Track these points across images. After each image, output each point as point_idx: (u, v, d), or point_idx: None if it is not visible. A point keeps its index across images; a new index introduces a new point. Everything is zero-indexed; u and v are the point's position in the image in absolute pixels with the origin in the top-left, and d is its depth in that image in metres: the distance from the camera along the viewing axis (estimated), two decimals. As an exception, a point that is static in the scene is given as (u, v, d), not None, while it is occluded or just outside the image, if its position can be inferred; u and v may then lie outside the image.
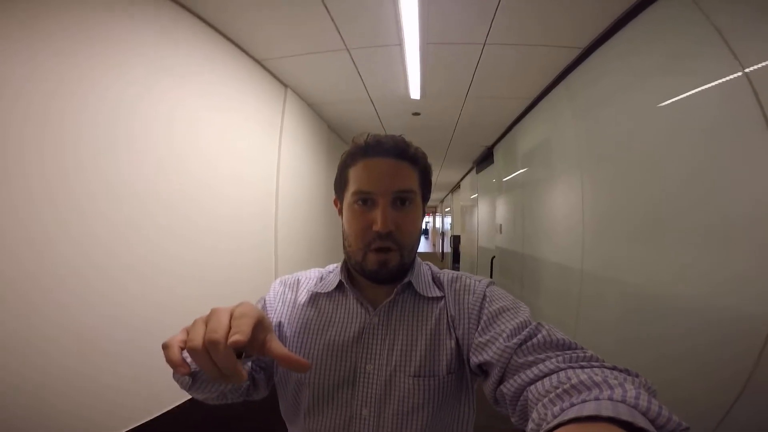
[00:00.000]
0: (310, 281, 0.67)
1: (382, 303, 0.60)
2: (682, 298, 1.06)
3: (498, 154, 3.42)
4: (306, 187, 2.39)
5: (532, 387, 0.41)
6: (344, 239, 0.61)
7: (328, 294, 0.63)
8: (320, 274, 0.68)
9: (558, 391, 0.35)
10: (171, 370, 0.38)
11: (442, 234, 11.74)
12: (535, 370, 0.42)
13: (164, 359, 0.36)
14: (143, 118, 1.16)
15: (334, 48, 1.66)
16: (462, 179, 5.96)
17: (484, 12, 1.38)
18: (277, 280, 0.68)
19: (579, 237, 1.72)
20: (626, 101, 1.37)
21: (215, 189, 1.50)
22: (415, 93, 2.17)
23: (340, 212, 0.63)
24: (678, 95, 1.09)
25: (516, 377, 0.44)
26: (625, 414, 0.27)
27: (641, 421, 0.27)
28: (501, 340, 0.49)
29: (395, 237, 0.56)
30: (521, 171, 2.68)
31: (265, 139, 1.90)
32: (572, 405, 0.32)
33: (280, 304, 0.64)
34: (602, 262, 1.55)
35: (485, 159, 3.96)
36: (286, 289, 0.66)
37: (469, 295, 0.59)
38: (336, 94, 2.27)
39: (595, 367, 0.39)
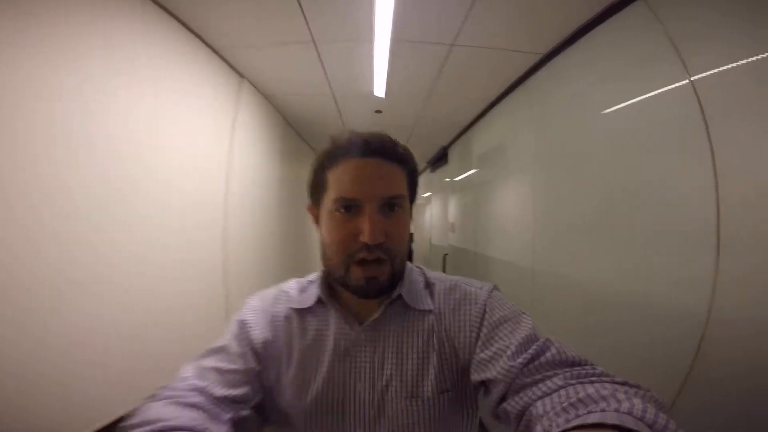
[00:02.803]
0: (291, 295, 0.61)
1: (369, 318, 0.55)
2: (624, 294, 1.17)
3: (453, 154, 3.54)
4: (260, 187, 2.30)
5: (538, 402, 0.39)
6: (323, 251, 0.55)
7: (310, 309, 0.58)
8: (300, 285, 0.63)
9: (564, 404, 0.35)
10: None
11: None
12: (542, 387, 0.41)
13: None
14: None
15: (300, 40, 1.61)
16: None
17: (457, 12, 1.41)
18: (255, 297, 0.62)
19: (530, 236, 1.85)
20: (579, 108, 1.48)
21: (158, 186, 1.38)
22: (380, 90, 2.17)
23: (316, 220, 0.57)
24: (626, 101, 1.19)
25: (522, 394, 0.42)
26: (630, 423, 0.28)
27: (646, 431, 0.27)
28: (505, 358, 0.45)
29: (386, 247, 0.50)
30: (475, 171, 2.81)
31: (215, 134, 1.79)
32: (577, 416, 0.32)
33: (262, 320, 0.58)
34: (552, 260, 1.68)
35: (440, 159, 4.08)
36: (267, 305, 0.60)
37: (469, 305, 0.55)
38: (296, 88, 2.20)
39: (605, 382, 0.38)
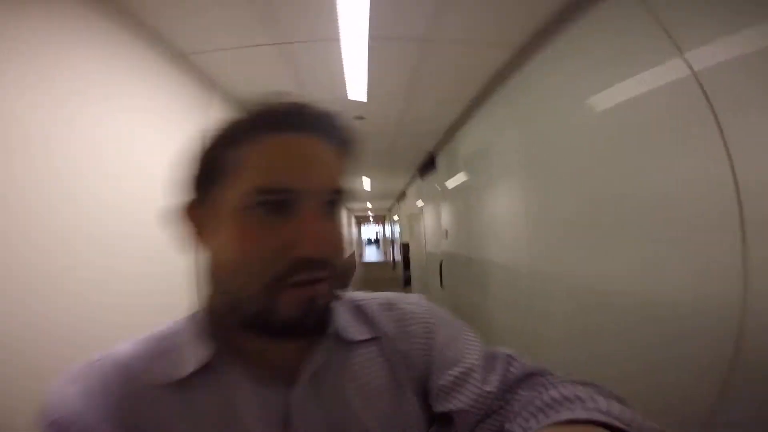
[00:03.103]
0: (143, 365, 0.35)
1: (302, 372, 0.37)
2: (632, 293, 1.06)
3: (440, 159, 3.45)
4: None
5: (512, 422, 0.35)
6: (215, 275, 0.37)
7: (190, 381, 0.34)
8: (156, 346, 0.37)
9: (531, 409, 0.33)
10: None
11: (392, 242, 11.79)
12: (516, 405, 0.37)
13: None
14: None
15: (269, 41, 1.51)
16: (407, 187, 5.99)
17: (427, 5, 1.32)
18: (79, 371, 0.35)
19: (524, 238, 1.73)
20: (566, 102, 1.39)
21: (124, 209, 1.26)
22: (356, 94, 2.07)
23: (198, 226, 0.37)
24: (618, 90, 1.10)
25: (495, 417, 0.38)
26: (601, 417, 0.28)
27: (617, 423, 0.27)
28: (474, 384, 0.39)
29: (330, 263, 0.35)
30: (463, 176, 2.70)
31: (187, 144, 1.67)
32: (547, 418, 0.31)
33: (100, 415, 0.32)
34: (548, 261, 1.55)
35: (429, 165, 3.99)
36: (107, 384, 0.34)
37: (414, 325, 0.45)
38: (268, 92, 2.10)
39: (566, 383, 0.36)
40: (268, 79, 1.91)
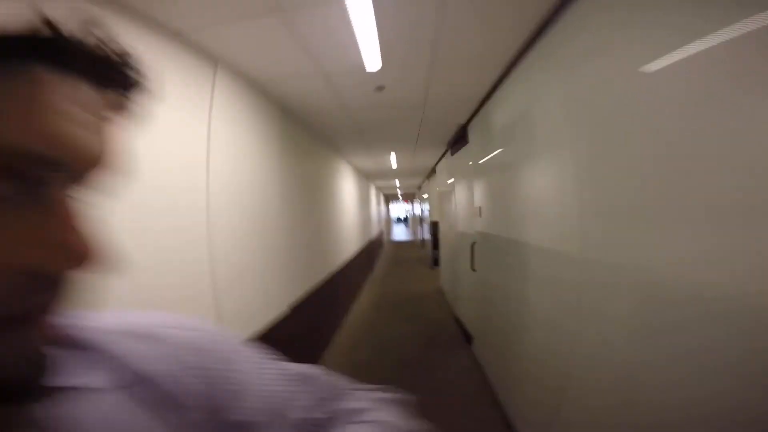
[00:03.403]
0: None
1: None
2: (704, 285, 0.84)
3: (472, 132, 3.15)
4: (252, 185, 2.04)
5: None
6: None
7: None
8: None
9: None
10: None
11: (421, 221, 11.58)
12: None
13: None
14: None
15: (270, 7, 1.31)
16: (437, 163, 5.70)
17: None
18: None
19: (574, 221, 1.48)
20: (625, 57, 1.10)
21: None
22: (373, 63, 1.84)
23: None
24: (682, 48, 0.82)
25: None
26: None
27: None
28: (280, 414, 0.37)
29: (65, 277, 0.23)
30: (499, 149, 2.42)
31: (190, 128, 1.54)
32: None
33: None
34: (605, 249, 1.31)
35: (459, 139, 3.69)
36: None
37: (184, 356, 0.35)
38: (281, 68, 1.91)
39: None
40: (275, 54, 1.72)
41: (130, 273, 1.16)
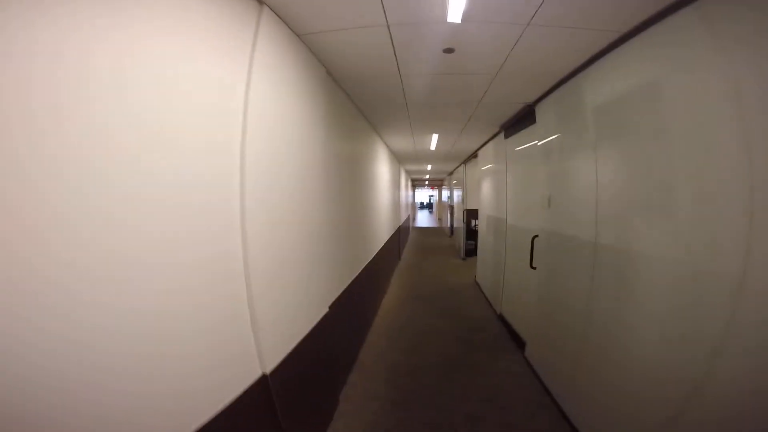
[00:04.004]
0: None
1: None
2: None
3: (544, 111, 2.68)
4: (294, 164, 1.70)
5: None
6: None
7: None
8: None
9: None
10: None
11: (450, 207, 11.09)
12: None
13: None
14: None
15: None
16: (481, 147, 5.21)
17: None
18: None
19: (728, 223, 1.06)
20: None
21: (137, 157, 0.82)
22: (456, 10, 1.43)
23: None
24: None
25: None
26: None
27: None
28: None
29: None
30: (592, 130, 1.97)
31: (221, 85, 1.19)
32: None
33: None
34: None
35: (520, 120, 3.22)
36: None
37: None
38: (337, 18, 1.53)
39: None
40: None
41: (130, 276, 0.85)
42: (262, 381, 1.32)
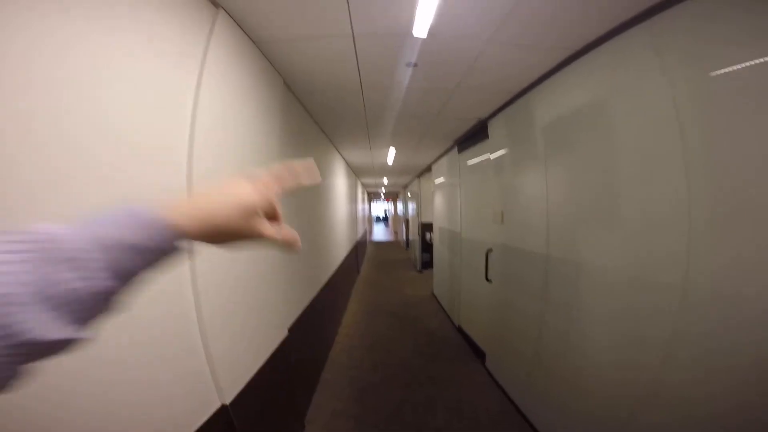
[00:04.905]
0: None
1: None
2: None
3: (496, 127, 2.81)
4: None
5: None
6: None
7: None
8: None
9: None
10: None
11: (406, 221, 11.23)
12: None
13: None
14: None
15: None
16: (435, 161, 5.36)
17: None
18: None
19: (678, 234, 1.16)
20: None
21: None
22: (422, 26, 1.44)
23: None
24: None
25: None
26: None
27: None
28: None
29: None
30: (541, 147, 2.09)
31: (167, 92, 1.08)
32: None
33: None
34: (730, 270, 0.99)
35: (474, 135, 3.35)
36: None
37: None
38: (301, 25, 1.47)
39: None
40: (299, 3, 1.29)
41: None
42: (223, 411, 1.20)
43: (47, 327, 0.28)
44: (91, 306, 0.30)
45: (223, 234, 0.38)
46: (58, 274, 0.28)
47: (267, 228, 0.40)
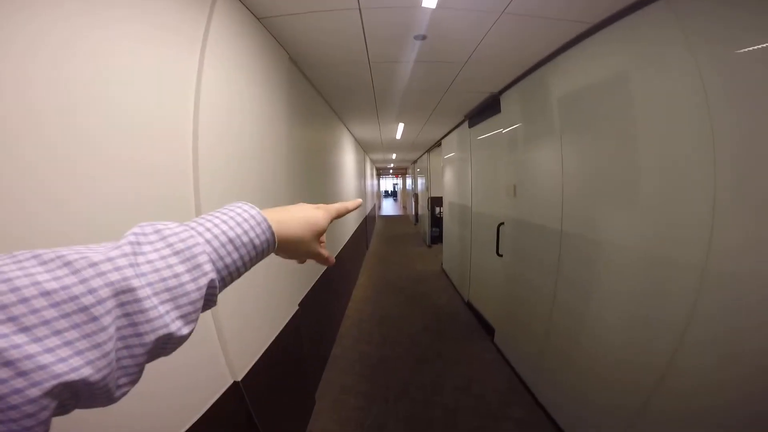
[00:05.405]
0: None
1: None
2: None
3: (510, 101, 2.72)
4: (253, 156, 1.58)
5: None
6: None
7: None
8: None
9: None
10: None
11: (415, 196, 11.18)
12: None
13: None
14: None
15: None
16: (445, 136, 5.25)
17: None
18: None
19: (702, 209, 1.12)
20: None
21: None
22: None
23: None
24: None
25: None
26: None
27: None
28: None
29: None
30: (557, 120, 2.02)
31: (169, 73, 1.06)
32: None
33: None
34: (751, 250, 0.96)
35: (485, 110, 3.25)
36: None
37: None
38: (303, -3, 1.41)
39: None
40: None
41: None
42: (235, 388, 1.25)
43: (176, 323, 0.28)
44: (197, 301, 0.30)
45: (292, 246, 0.42)
46: (173, 269, 0.29)
47: (323, 249, 0.48)
